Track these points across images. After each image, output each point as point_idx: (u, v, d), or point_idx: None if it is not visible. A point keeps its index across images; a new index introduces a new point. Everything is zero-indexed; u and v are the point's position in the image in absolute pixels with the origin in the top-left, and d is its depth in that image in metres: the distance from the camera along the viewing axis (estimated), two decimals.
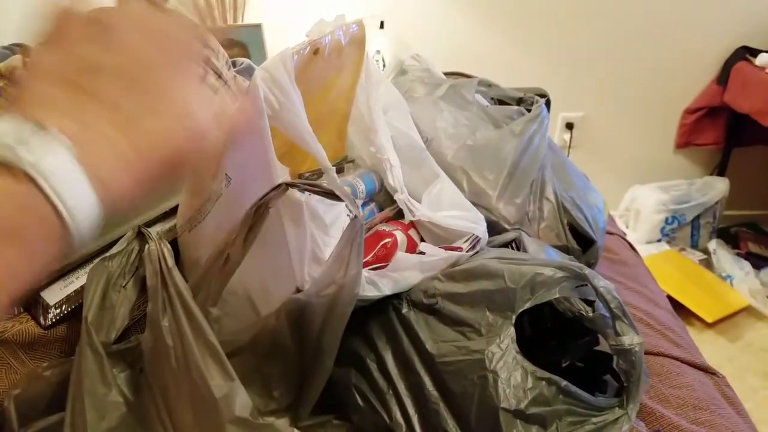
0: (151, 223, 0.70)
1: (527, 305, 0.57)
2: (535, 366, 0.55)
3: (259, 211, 0.54)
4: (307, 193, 0.56)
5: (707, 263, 2.30)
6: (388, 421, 0.57)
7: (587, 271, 0.58)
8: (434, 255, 0.63)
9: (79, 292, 0.62)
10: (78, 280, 0.64)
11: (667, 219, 2.39)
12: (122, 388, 0.52)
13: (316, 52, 0.67)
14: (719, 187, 2.36)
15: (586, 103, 2.36)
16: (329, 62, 0.71)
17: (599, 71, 2.29)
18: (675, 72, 2.30)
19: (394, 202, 0.82)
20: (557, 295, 0.57)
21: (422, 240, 0.80)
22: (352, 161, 0.89)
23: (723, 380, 0.71)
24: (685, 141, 2.42)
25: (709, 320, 1.98)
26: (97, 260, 0.64)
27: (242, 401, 0.47)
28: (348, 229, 0.53)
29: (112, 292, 0.58)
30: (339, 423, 0.61)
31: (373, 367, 0.60)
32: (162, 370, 0.53)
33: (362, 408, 0.59)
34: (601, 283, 0.58)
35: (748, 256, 2.32)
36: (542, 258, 0.64)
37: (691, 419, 0.63)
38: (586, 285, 0.59)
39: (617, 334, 0.56)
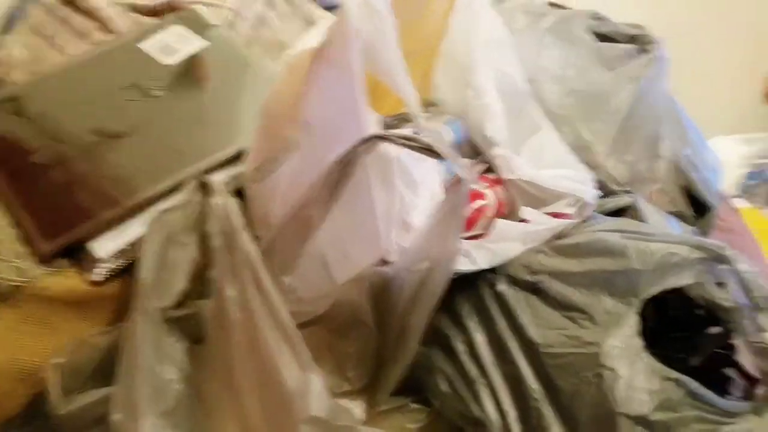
0: (214, 169, 0.62)
1: (655, 290, 0.48)
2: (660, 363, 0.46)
3: (345, 166, 0.46)
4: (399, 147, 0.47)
5: None
6: (477, 413, 0.50)
7: (729, 252, 0.48)
8: (540, 223, 0.54)
9: (133, 245, 0.56)
10: (131, 231, 0.57)
11: (749, 174, 2.20)
12: (180, 363, 0.46)
13: None
14: None
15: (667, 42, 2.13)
16: None
17: (682, 5, 2.05)
18: None
19: (477, 153, 0.72)
20: (692, 281, 0.48)
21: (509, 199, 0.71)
22: (436, 105, 0.79)
23: None
24: None
25: None
26: (151, 210, 0.58)
27: (319, 397, 0.40)
28: (451, 196, 0.44)
29: (172, 251, 0.51)
30: (418, 407, 0.54)
31: (461, 349, 0.52)
32: (226, 346, 0.47)
33: (447, 394, 0.52)
34: (745, 267, 0.48)
35: None
36: (669, 232, 0.54)
37: None
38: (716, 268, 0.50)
39: (760, 329, 0.47)
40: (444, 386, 0.52)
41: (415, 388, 0.53)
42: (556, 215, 0.57)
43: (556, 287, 0.50)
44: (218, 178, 0.59)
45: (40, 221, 0.53)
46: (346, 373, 0.50)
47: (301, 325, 0.46)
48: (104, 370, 0.47)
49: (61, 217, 0.53)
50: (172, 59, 0.70)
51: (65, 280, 0.51)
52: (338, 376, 0.49)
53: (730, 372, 0.54)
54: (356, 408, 0.49)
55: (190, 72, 0.70)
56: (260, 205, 0.57)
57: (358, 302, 0.49)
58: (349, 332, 0.50)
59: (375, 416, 0.50)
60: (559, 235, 0.55)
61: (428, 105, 0.76)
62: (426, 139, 0.44)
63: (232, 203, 0.50)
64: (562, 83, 0.69)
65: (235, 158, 0.62)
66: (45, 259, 0.51)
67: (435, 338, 0.53)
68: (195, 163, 0.60)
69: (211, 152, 0.62)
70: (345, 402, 0.47)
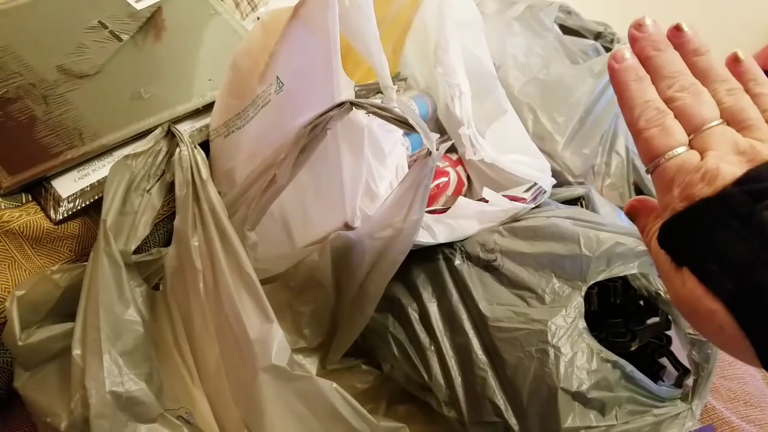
0: (179, 120, 0.61)
1: (601, 277, 0.51)
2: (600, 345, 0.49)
3: (316, 130, 0.46)
4: (371, 116, 0.48)
5: None
6: (426, 378, 0.52)
7: None
8: (497, 205, 0.56)
9: (95, 187, 0.55)
10: (94, 173, 0.56)
11: None
12: (139, 306, 0.46)
13: None
14: None
15: None
16: None
17: (653, 8, 2.11)
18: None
19: (442, 131, 0.73)
20: (635, 271, 0.51)
21: (469, 179, 0.73)
22: (404, 80, 0.79)
23: None
24: None
25: None
26: (116, 154, 0.57)
27: (280, 347, 0.41)
28: (417, 169, 0.45)
29: (135, 196, 0.51)
30: (367, 369, 0.56)
31: (414, 317, 0.54)
32: (186, 294, 0.47)
33: (397, 358, 0.54)
34: None
35: None
36: (618, 223, 0.56)
37: (741, 415, 0.58)
38: None
39: None
40: (395, 351, 0.53)
41: (366, 350, 0.55)
42: (512, 199, 0.59)
43: (509, 266, 0.53)
44: (185, 129, 0.59)
45: (2, 155, 0.51)
46: (302, 330, 0.51)
47: (262, 282, 0.47)
48: (63, 307, 0.46)
49: (24, 153, 0.52)
50: (142, 4, 0.68)
51: (27, 216, 0.50)
52: (294, 332, 0.50)
53: (663, 360, 0.58)
54: (309, 365, 0.50)
55: (154, 20, 0.68)
56: (225, 160, 0.57)
57: (318, 264, 0.49)
58: (308, 292, 0.51)
59: (326, 374, 0.51)
60: (515, 218, 0.58)
61: (399, 78, 0.77)
62: (398, 110, 0.45)
63: (199, 154, 0.49)
64: (525, 71, 0.71)
65: (202, 110, 0.61)
66: (6, 194, 0.50)
67: (390, 305, 0.55)
68: (161, 111, 0.59)
69: (177, 102, 0.61)
70: (299, 358, 0.48)
